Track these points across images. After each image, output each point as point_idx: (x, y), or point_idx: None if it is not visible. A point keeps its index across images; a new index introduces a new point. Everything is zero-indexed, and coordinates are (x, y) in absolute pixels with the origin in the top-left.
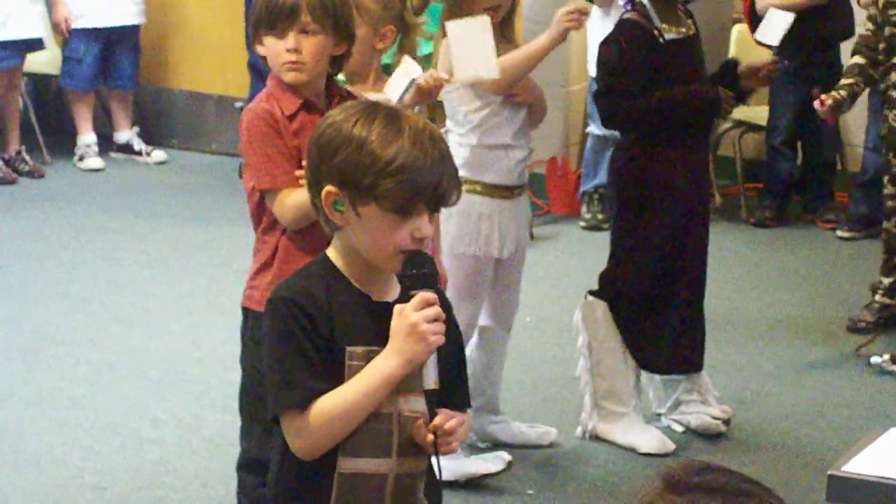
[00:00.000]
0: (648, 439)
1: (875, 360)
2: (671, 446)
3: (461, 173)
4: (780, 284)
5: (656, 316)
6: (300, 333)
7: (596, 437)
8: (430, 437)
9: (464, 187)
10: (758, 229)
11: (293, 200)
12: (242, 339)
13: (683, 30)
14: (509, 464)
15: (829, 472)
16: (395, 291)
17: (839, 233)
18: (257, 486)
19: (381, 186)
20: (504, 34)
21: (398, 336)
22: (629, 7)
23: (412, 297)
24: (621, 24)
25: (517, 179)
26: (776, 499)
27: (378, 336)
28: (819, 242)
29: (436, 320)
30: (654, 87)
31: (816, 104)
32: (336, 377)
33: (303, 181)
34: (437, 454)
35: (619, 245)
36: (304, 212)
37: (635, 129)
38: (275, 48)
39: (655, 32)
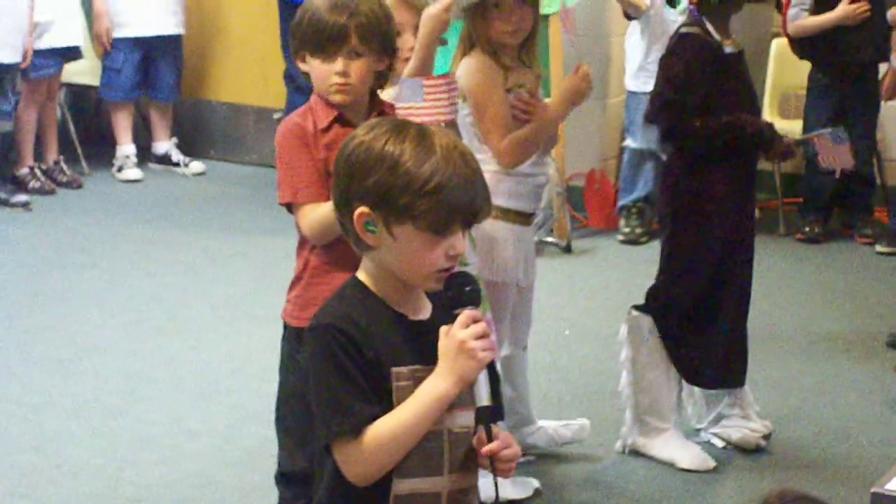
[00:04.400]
0: (690, 455)
1: None
2: (711, 463)
3: None
4: (819, 300)
5: (705, 330)
6: (346, 359)
7: (636, 452)
8: (486, 461)
9: None
10: (797, 244)
11: (315, 216)
12: (281, 351)
13: (736, 44)
14: (537, 491)
15: (872, 490)
16: (427, 309)
17: (878, 248)
18: (293, 498)
19: (417, 207)
20: (522, 59)
21: (448, 356)
22: (695, 15)
23: (457, 315)
24: (684, 38)
25: (535, 205)
26: None
27: (420, 355)
28: (857, 257)
29: (483, 336)
30: (711, 101)
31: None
32: (384, 400)
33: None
34: (495, 478)
35: (672, 260)
36: (325, 227)
37: (695, 147)
38: (321, 70)
39: (716, 45)
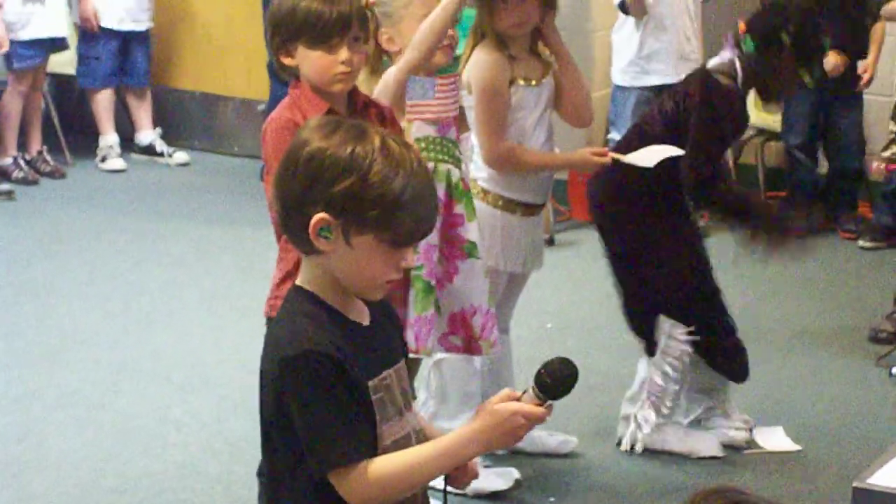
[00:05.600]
0: (708, 444)
1: None
2: (722, 453)
3: (485, 186)
4: (801, 294)
5: (718, 329)
6: (335, 384)
7: (644, 449)
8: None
9: (487, 199)
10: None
11: None
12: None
13: None
14: (517, 482)
15: (854, 485)
16: (366, 312)
17: (861, 242)
18: None
19: (385, 219)
20: (532, 49)
21: (494, 427)
22: (734, 54)
23: (534, 394)
24: (719, 89)
25: (542, 198)
26: None
27: (380, 361)
28: (841, 252)
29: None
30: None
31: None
32: (368, 417)
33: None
34: (445, 487)
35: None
36: None
37: (708, 205)
38: (323, 61)
39: (743, 94)
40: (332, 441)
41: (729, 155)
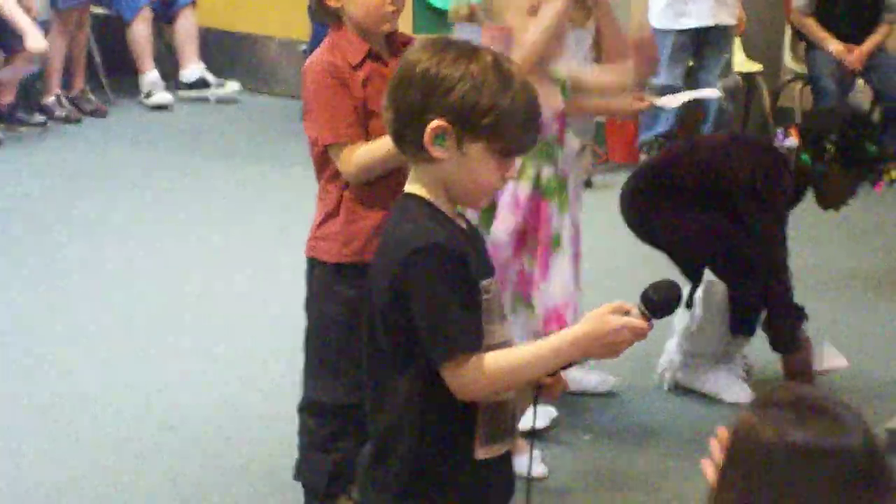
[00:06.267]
0: (736, 389)
1: None
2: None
3: None
4: (842, 237)
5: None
6: (461, 278)
7: (681, 388)
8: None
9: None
10: None
11: (359, 158)
12: (309, 286)
13: None
14: (555, 420)
15: (886, 427)
16: (463, 225)
17: None
18: (318, 427)
19: (499, 128)
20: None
21: (600, 336)
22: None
23: (640, 311)
24: (785, 167)
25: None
26: (847, 412)
27: (482, 266)
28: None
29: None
30: None
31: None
32: (480, 314)
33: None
34: (535, 401)
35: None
36: (375, 167)
37: (756, 269)
38: (372, 1)
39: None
40: (456, 329)
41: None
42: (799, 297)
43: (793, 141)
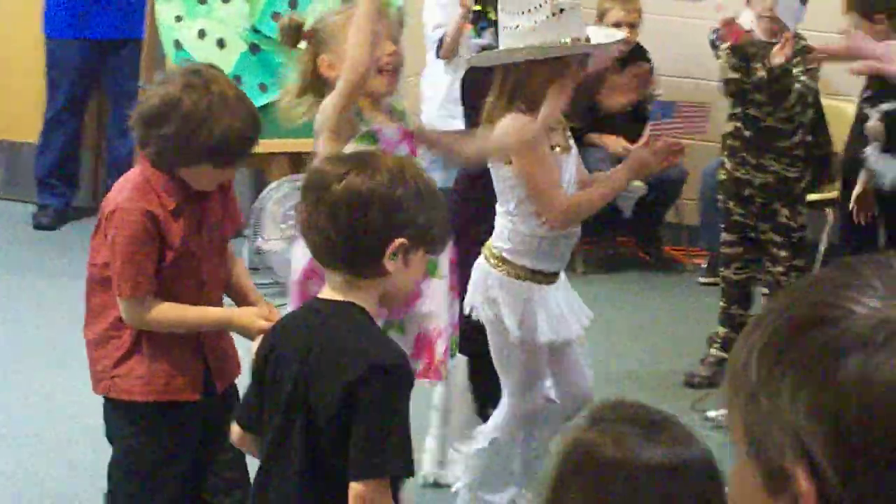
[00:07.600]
0: None
1: (711, 414)
2: None
3: (510, 258)
4: (632, 335)
5: None
6: (408, 399)
7: None
8: None
9: (505, 268)
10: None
11: (167, 316)
12: (108, 422)
13: None
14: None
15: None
16: None
17: (700, 279)
18: None
19: (436, 236)
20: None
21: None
22: None
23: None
24: None
25: (561, 265)
26: (683, 428)
27: None
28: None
29: None
30: None
31: None
32: None
33: None
34: None
35: None
36: (180, 328)
37: None
38: (210, 176)
39: None
40: (396, 452)
41: None
42: None
43: None
